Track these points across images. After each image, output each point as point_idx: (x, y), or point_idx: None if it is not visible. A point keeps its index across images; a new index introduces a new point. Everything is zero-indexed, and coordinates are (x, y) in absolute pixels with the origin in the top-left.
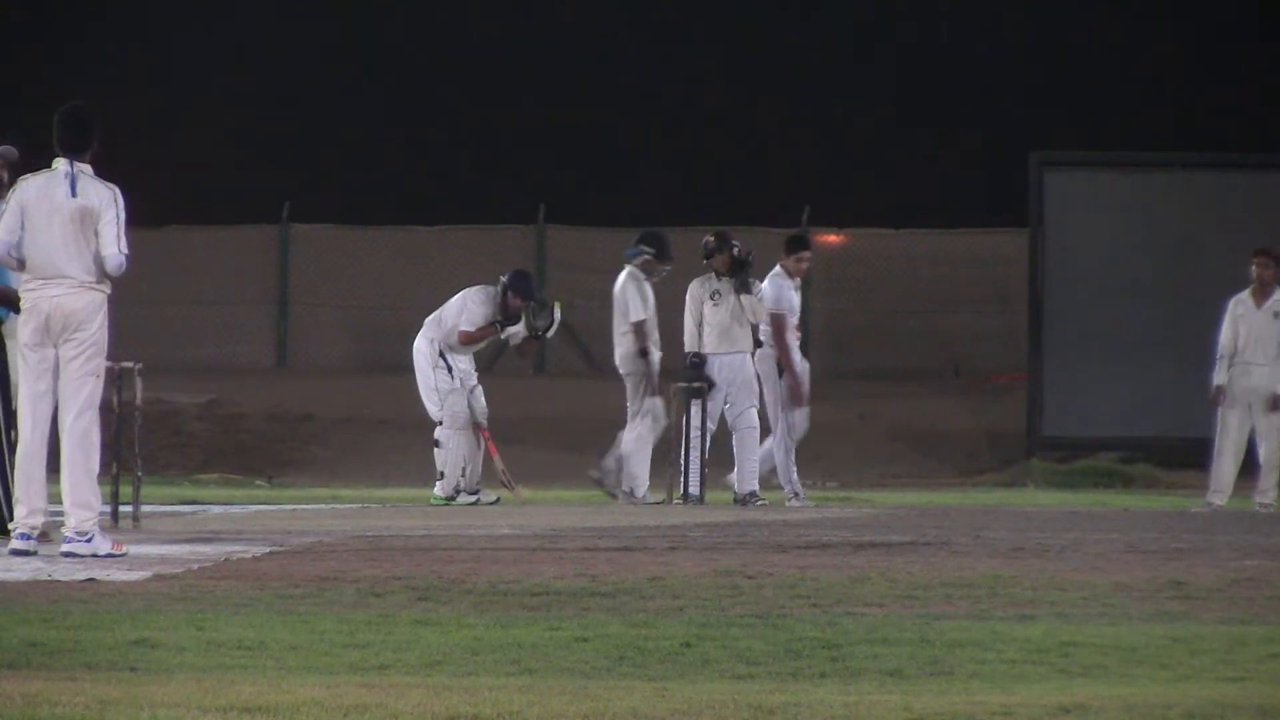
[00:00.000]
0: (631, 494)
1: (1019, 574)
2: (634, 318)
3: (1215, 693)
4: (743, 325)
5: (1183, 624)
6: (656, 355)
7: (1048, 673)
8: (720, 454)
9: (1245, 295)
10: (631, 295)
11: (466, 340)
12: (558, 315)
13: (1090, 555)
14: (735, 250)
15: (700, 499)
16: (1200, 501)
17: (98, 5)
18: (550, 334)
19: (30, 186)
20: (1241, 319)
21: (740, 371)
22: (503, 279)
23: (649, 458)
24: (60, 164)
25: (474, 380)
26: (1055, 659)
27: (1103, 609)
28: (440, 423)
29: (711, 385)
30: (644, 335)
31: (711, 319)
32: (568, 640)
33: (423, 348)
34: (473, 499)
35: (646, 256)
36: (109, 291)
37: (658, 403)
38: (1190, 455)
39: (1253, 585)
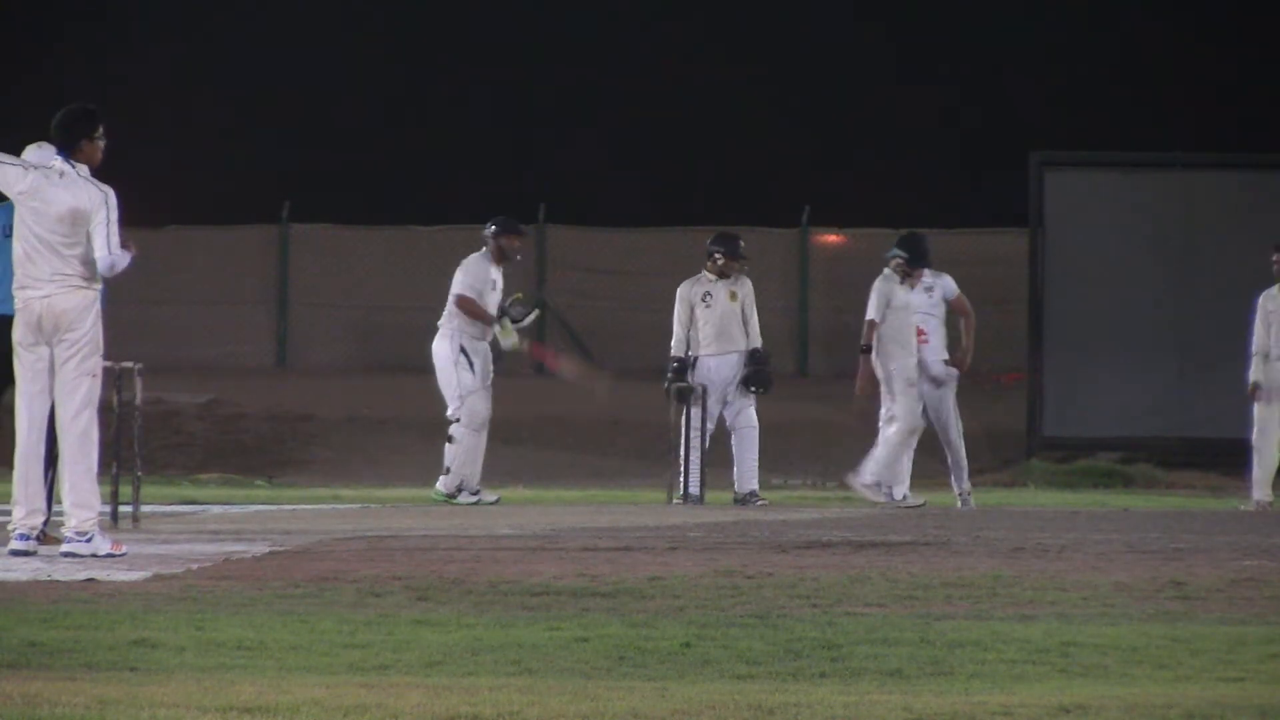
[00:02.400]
0: (890, 495)
1: (1019, 574)
2: (867, 315)
3: (1215, 693)
4: (737, 325)
5: (1183, 624)
6: (904, 356)
7: (1048, 673)
8: (720, 454)
9: (1275, 290)
10: (874, 296)
11: (464, 306)
12: (531, 317)
13: (1090, 555)
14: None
15: (700, 499)
16: (1248, 502)
17: (98, 5)
18: (520, 325)
19: (30, 178)
20: (1272, 314)
21: (736, 371)
22: (491, 226)
23: (907, 459)
24: (58, 164)
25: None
26: (1055, 659)
27: (1103, 609)
28: (457, 419)
29: (694, 388)
30: (868, 334)
31: (705, 320)
32: (568, 640)
33: (442, 348)
34: (473, 499)
35: (898, 259)
36: (100, 289)
37: (911, 405)
38: (1190, 455)
39: (1253, 585)
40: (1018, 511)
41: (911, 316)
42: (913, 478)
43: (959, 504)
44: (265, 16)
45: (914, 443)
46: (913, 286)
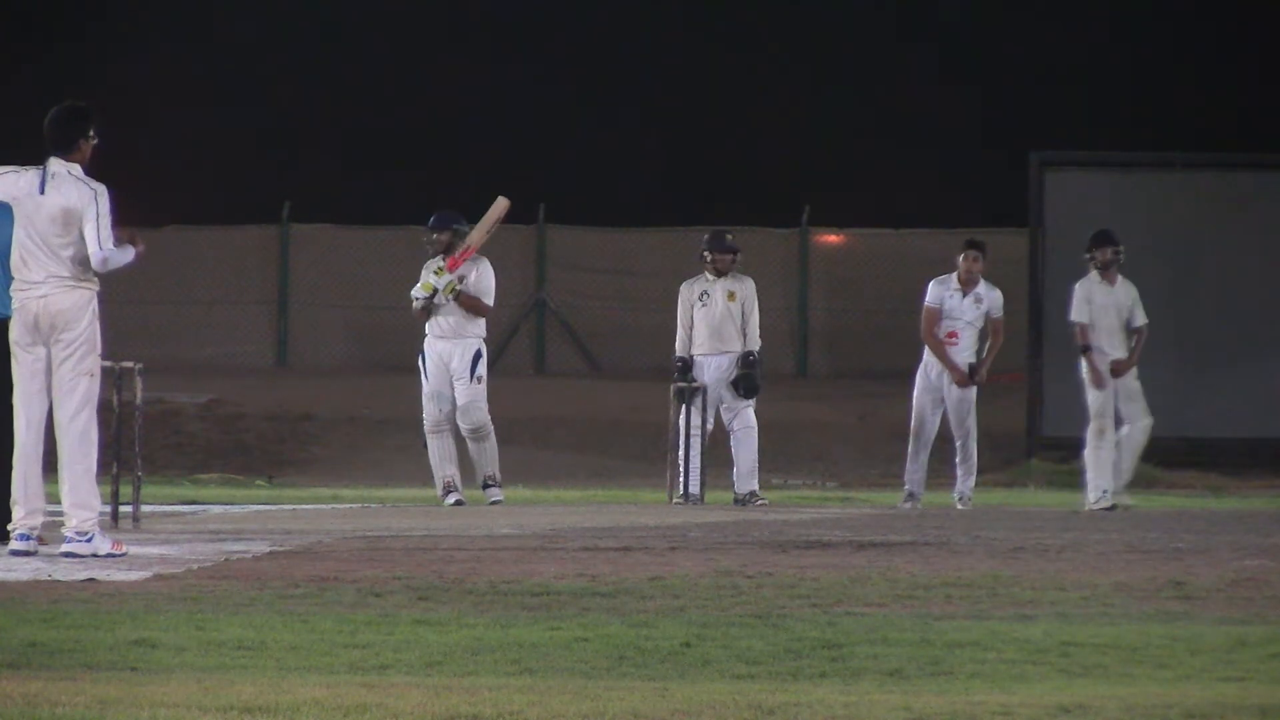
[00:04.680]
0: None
1: (1019, 574)
2: (1072, 318)
3: (1215, 693)
4: (733, 325)
5: (1183, 624)
6: (1102, 358)
7: (1048, 673)
8: (720, 454)
9: None
10: (1075, 298)
11: (419, 318)
12: (416, 289)
13: (1090, 555)
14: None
15: (700, 499)
16: None
17: (97, 5)
18: (430, 300)
19: (22, 182)
20: None
21: (729, 372)
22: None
23: (1107, 456)
24: (51, 164)
25: (464, 377)
26: (1055, 659)
27: (1103, 609)
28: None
29: (700, 387)
30: (1081, 335)
31: (702, 320)
32: (568, 640)
33: None
34: (450, 501)
35: (1114, 253)
36: (98, 288)
37: (1098, 402)
38: (1190, 455)
39: (1253, 585)
40: (1018, 511)
41: (1112, 317)
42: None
43: (958, 504)
44: (266, 16)
45: (1107, 441)
46: (1112, 283)
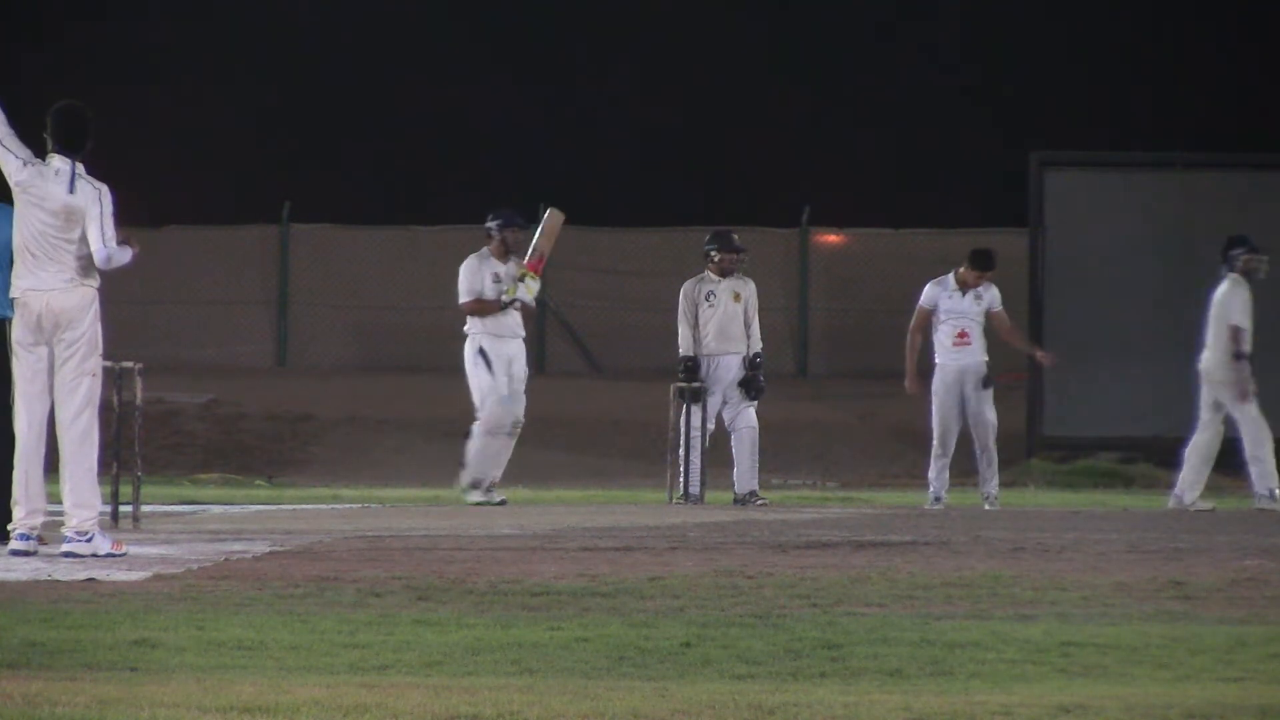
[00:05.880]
0: (1180, 498)
1: (1019, 574)
2: (1233, 322)
3: (1215, 693)
4: (739, 326)
5: (1183, 624)
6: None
7: (1048, 673)
8: (720, 454)
9: None
10: (1238, 303)
11: (471, 311)
12: (522, 294)
13: (1090, 555)
14: None
15: (700, 499)
16: None
17: (97, 4)
18: (514, 303)
19: (26, 174)
20: None
21: (736, 372)
22: (495, 221)
23: (1203, 464)
24: (56, 161)
25: (525, 375)
26: (1055, 659)
27: (1103, 609)
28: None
29: (706, 388)
30: (1238, 340)
31: (708, 320)
32: (568, 640)
33: (466, 351)
34: (480, 499)
35: (1242, 255)
36: (99, 286)
37: (1254, 409)
38: None
39: (1253, 585)
40: (1018, 511)
41: (1251, 322)
42: (910, 476)
43: (986, 505)
44: (265, 16)
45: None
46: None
